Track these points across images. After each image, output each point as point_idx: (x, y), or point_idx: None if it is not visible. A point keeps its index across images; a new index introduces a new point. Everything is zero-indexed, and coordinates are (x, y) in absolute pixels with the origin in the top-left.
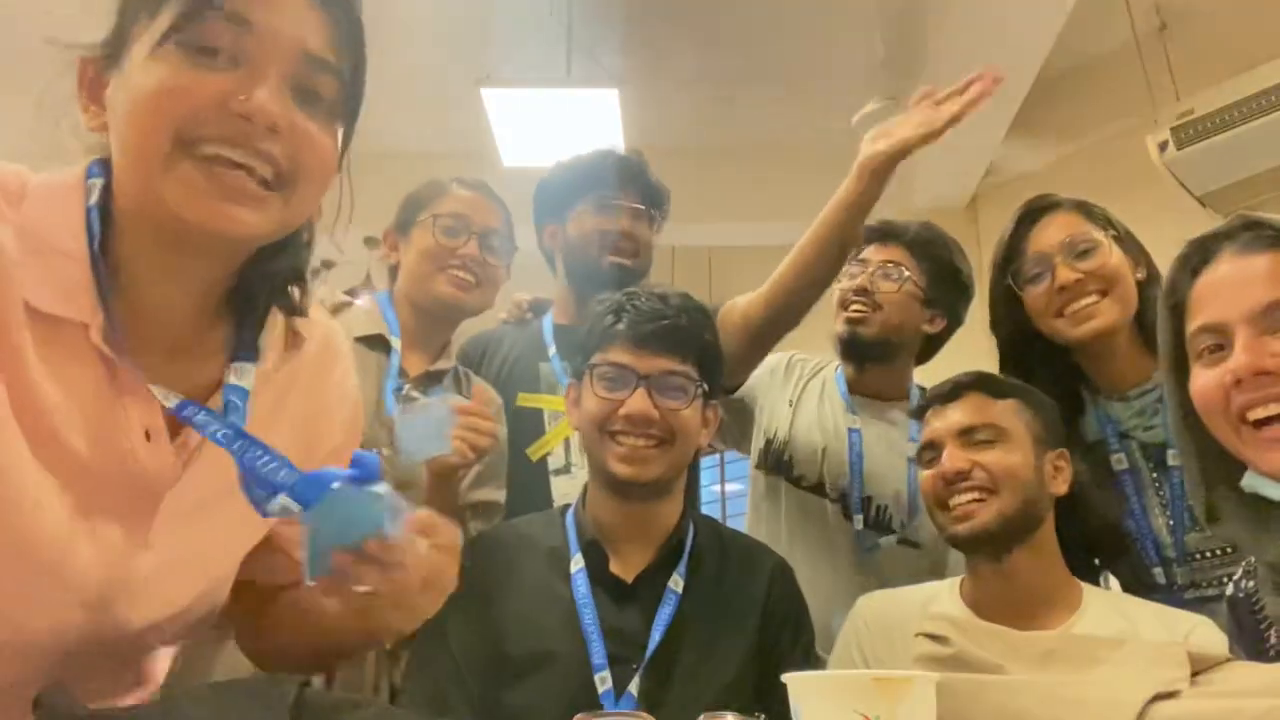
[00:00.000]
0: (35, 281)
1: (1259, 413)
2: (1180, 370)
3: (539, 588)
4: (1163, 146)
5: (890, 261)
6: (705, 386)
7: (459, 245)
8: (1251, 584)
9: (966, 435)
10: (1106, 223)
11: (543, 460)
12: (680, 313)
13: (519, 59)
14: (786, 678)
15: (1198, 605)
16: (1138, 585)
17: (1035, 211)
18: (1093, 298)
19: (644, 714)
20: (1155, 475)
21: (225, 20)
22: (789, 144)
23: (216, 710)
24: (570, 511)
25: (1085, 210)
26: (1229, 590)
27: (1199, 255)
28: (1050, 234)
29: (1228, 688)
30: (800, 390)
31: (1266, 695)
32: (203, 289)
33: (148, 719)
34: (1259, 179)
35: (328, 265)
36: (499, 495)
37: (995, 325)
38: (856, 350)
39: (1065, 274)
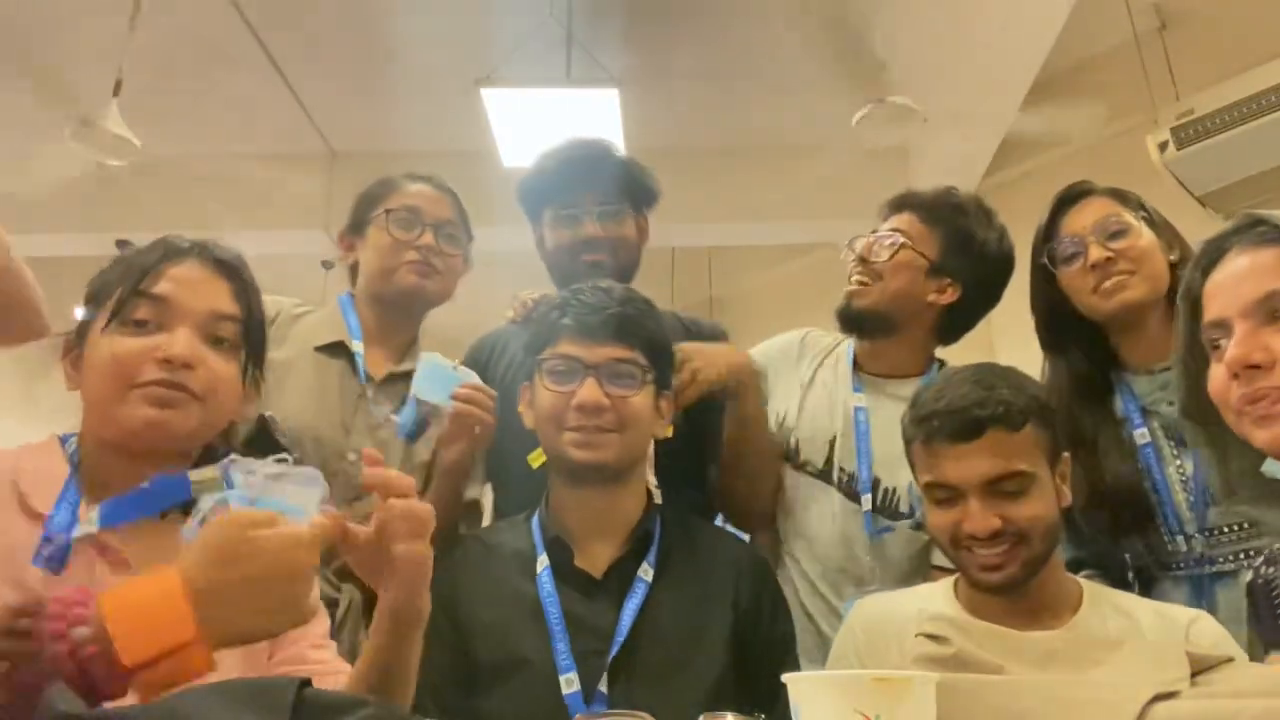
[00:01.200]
0: (39, 497)
1: (1257, 409)
2: (1199, 365)
3: (507, 594)
4: (1163, 146)
5: (893, 229)
6: (654, 374)
7: (414, 237)
8: (1272, 570)
9: (992, 486)
10: (1139, 206)
11: (543, 468)
12: (625, 303)
13: (519, 59)
14: (786, 678)
15: (1214, 580)
16: (1155, 563)
17: (1072, 196)
18: (1123, 276)
19: (644, 714)
20: (1176, 451)
21: (149, 301)
22: (789, 144)
23: (216, 710)
24: (535, 514)
25: (1118, 195)
26: (1248, 577)
27: (1210, 254)
28: (1084, 216)
29: (1228, 688)
30: (813, 371)
31: (1266, 696)
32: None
33: (147, 718)
34: (1259, 179)
35: (328, 265)
36: (477, 493)
37: (1033, 304)
38: (853, 323)
39: (1097, 252)
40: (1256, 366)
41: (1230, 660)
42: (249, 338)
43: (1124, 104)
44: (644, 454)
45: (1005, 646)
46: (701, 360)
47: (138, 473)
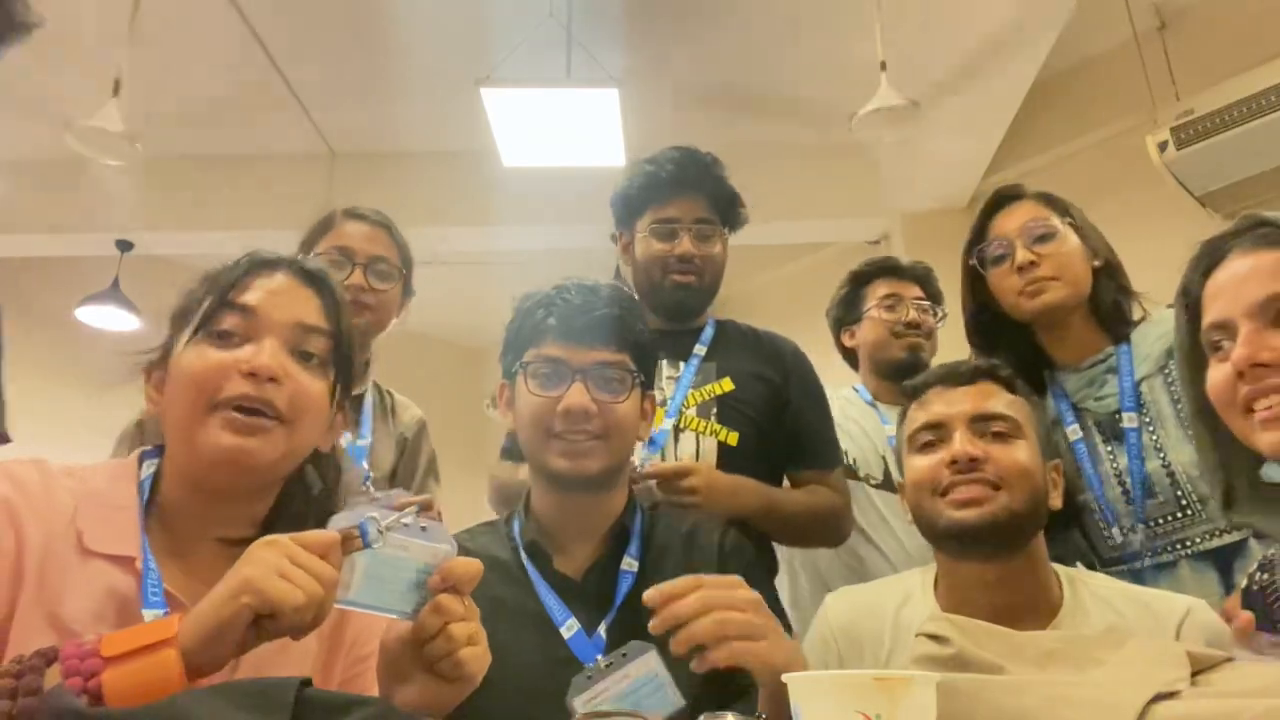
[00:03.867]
0: (96, 533)
1: (1261, 405)
2: (1197, 367)
3: (482, 604)
4: (1163, 146)
5: (917, 296)
6: (641, 377)
7: (343, 278)
8: (1267, 576)
9: (979, 423)
10: (1065, 212)
11: None
12: (612, 304)
13: (519, 59)
14: (786, 678)
15: (1154, 571)
16: (1094, 556)
17: (1002, 199)
18: (1045, 280)
19: (642, 714)
20: (1110, 448)
21: (236, 312)
22: (789, 144)
23: (217, 710)
24: (514, 518)
25: (1046, 199)
26: (1243, 583)
27: (1209, 256)
28: (1013, 219)
29: (1228, 688)
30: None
31: (1267, 696)
32: (236, 526)
33: (148, 718)
34: (1259, 179)
35: None
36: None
37: (964, 304)
38: (917, 373)
39: (1023, 255)
40: (1264, 365)
41: (1230, 660)
42: (338, 356)
43: (1124, 104)
44: (629, 459)
45: (1005, 646)
46: (708, 497)
47: (212, 514)
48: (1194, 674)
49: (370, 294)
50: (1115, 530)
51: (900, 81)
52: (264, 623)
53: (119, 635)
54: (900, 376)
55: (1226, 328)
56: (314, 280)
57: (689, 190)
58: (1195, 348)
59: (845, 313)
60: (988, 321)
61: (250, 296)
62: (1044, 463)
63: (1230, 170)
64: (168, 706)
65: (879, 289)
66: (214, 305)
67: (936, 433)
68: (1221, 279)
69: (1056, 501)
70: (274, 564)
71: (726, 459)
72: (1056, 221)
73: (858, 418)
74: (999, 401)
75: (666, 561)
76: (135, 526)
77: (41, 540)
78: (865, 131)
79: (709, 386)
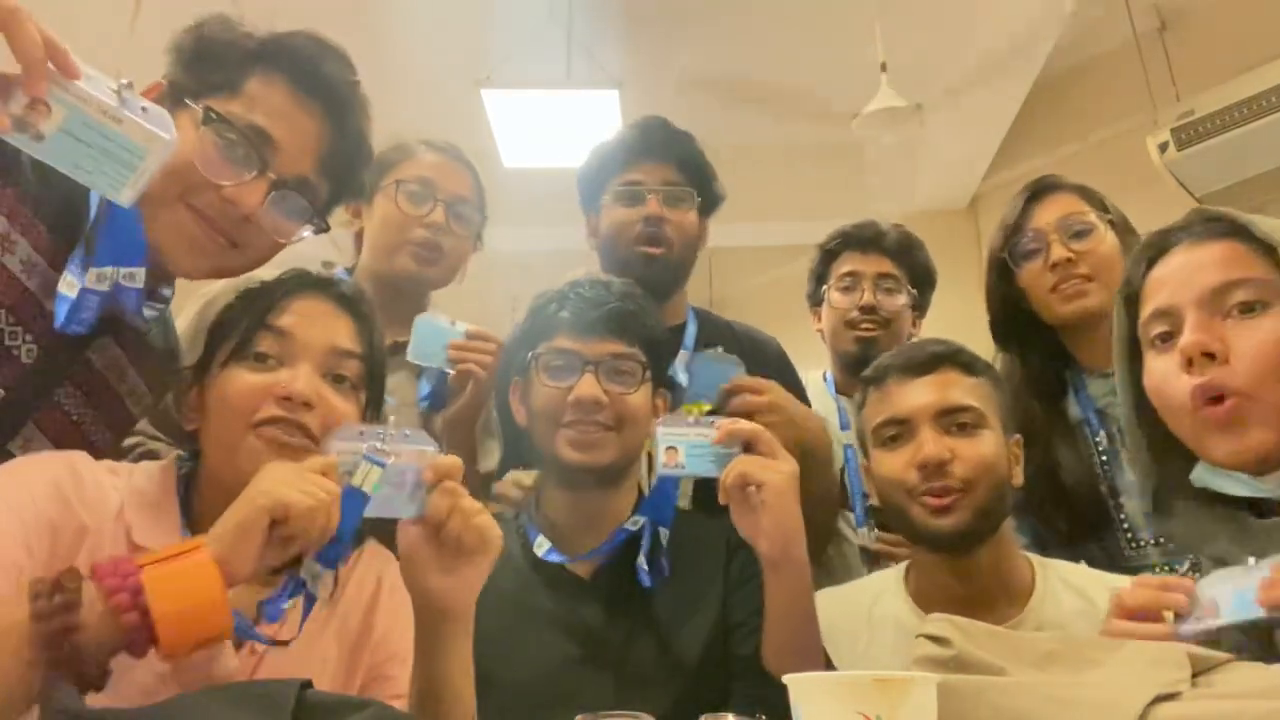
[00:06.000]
0: (143, 527)
1: (1217, 413)
2: (1133, 361)
3: (490, 600)
4: (1163, 147)
5: (883, 274)
6: (652, 371)
7: (424, 213)
8: (1198, 575)
9: (944, 418)
10: (1104, 208)
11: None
12: (625, 298)
13: (519, 59)
14: (787, 678)
15: None
16: (1110, 566)
17: (1039, 191)
18: (1081, 281)
19: (645, 715)
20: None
21: (272, 334)
22: (789, 144)
23: (218, 712)
24: (525, 515)
25: (1086, 194)
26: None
27: (1154, 248)
28: (1050, 212)
29: (1229, 689)
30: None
31: (1268, 697)
32: None
33: (148, 719)
34: (1259, 180)
35: (328, 265)
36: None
37: (989, 300)
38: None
39: (1059, 251)
40: (1212, 355)
41: (1231, 660)
42: (370, 377)
43: (1124, 104)
44: (639, 454)
45: (1005, 647)
46: (781, 417)
47: None
48: (1194, 675)
49: (448, 236)
50: (1136, 544)
51: (901, 82)
52: (279, 528)
53: (149, 553)
54: (854, 371)
55: (1170, 315)
56: (348, 303)
57: (655, 155)
58: (1132, 342)
59: (813, 291)
60: (1012, 318)
61: (286, 320)
62: (1007, 442)
63: (1230, 171)
64: (168, 707)
65: (841, 266)
66: (251, 327)
67: (901, 428)
68: (1165, 271)
69: (1018, 478)
70: (284, 478)
71: (701, 483)
72: (1094, 217)
73: (821, 413)
74: (961, 390)
75: (678, 562)
76: (177, 524)
77: (91, 528)
78: (866, 132)
79: (684, 406)
